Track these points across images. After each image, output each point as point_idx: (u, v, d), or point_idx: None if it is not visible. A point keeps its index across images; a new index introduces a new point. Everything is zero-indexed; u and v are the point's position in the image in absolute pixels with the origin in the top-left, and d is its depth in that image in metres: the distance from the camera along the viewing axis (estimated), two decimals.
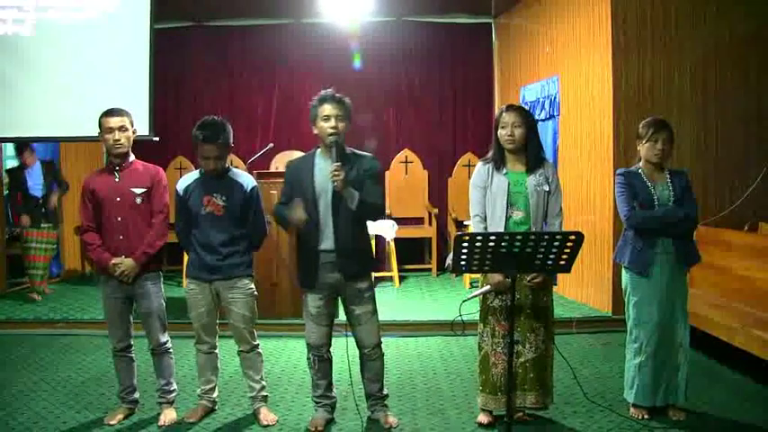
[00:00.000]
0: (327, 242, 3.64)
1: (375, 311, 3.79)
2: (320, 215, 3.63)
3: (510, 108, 3.72)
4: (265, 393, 4.05)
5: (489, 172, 3.72)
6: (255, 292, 3.96)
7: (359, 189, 3.59)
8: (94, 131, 3.89)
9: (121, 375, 4.00)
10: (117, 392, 4.06)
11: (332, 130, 3.59)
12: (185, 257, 4.09)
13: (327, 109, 3.61)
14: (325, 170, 3.60)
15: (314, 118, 3.66)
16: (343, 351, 3.86)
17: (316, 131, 3.68)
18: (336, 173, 3.48)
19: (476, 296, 3.79)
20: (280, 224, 3.85)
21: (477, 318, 3.82)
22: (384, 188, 3.79)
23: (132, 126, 3.89)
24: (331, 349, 3.85)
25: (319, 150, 3.72)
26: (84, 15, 6.34)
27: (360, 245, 3.74)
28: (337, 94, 3.67)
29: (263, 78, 8.91)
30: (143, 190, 3.85)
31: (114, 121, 3.80)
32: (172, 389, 4.03)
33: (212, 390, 4.05)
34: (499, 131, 3.70)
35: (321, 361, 3.80)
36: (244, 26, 8.75)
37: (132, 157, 3.93)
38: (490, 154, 3.79)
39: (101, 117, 3.84)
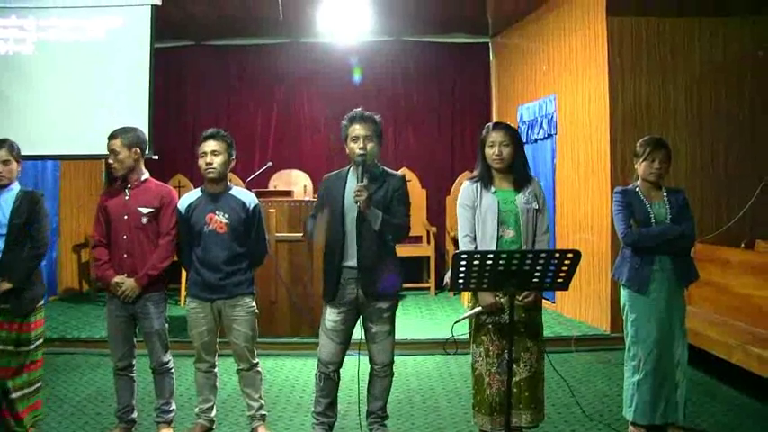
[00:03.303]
0: (351, 259, 3.64)
1: (392, 332, 3.78)
2: (346, 232, 3.64)
3: (497, 126, 3.68)
4: (264, 412, 4.03)
5: (478, 191, 3.66)
6: (257, 310, 3.96)
7: (386, 208, 3.61)
8: (94, 150, 3.92)
9: (120, 394, 3.98)
10: (114, 411, 4.03)
11: (360, 151, 3.60)
12: (183, 276, 4.08)
13: (356, 129, 3.63)
14: (353, 188, 3.61)
15: (344, 138, 3.69)
16: (353, 369, 3.82)
17: (347, 150, 3.70)
18: (359, 193, 3.50)
19: (466, 318, 3.78)
20: (307, 236, 3.82)
21: (470, 338, 3.80)
22: (409, 208, 3.77)
23: (129, 148, 3.84)
24: (341, 370, 3.80)
25: (352, 168, 3.73)
26: (85, 35, 6.37)
27: (384, 264, 3.69)
28: (367, 113, 3.68)
29: (262, 97, 8.96)
30: (150, 210, 3.84)
31: (109, 144, 3.85)
32: (170, 408, 4.02)
33: (210, 409, 4.04)
34: (486, 150, 3.65)
35: (327, 380, 3.76)
36: (243, 45, 8.82)
37: (146, 176, 3.93)
38: (476, 172, 3.74)
39: None
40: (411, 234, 8.41)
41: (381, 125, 3.72)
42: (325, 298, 3.73)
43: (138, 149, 3.89)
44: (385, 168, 3.77)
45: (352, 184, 3.64)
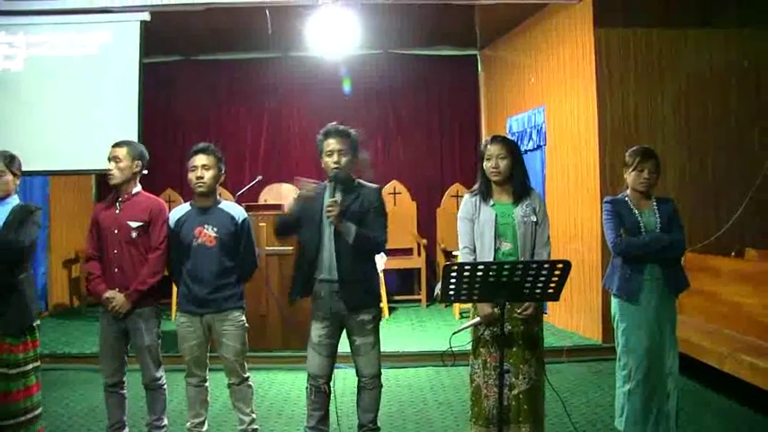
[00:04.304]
0: (331, 272, 3.65)
1: (376, 343, 3.77)
2: (325, 246, 3.65)
3: (494, 140, 3.71)
4: (256, 426, 4.01)
5: (476, 204, 3.70)
6: (247, 324, 3.95)
7: (361, 221, 3.61)
8: (84, 165, 3.91)
9: (111, 410, 3.94)
10: (105, 427, 3.99)
11: (334, 165, 3.62)
12: (174, 291, 4.06)
13: (331, 143, 3.65)
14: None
15: (320, 152, 3.71)
16: (343, 383, 3.82)
17: (322, 165, 3.71)
18: (330, 209, 3.50)
19: (465, 328, 3.79)
20: (283, 230, 3.83)
21: (468, 348, 3.80)
22: (386, 220, 3.77)
23: (132, 159, 3.88)
24: (330, 383, 3.80)
25: (328, 182, 3.74)
26: (74, 51, 6.36)
27: (363, 277, 3.72)
28: (341, 127, 3.70)
29: (252, 111, 8.98)
30: (139, 224, 3.83)
31: (110, 152, 3.88)
32: (162, 425, 3.99)
33: (201, 424, 4.00)
34: (484, 163, 3.68)
35: (317, 392, 3.76)
36: (232, 60, 8.84)
37: (137, 189, 3.94)
38: (477, 186, 3.78)
39: None
40: (402, 246, 8.54)
41: (357, 139, 3.73)
42: (292, 294, 3.76)
43: (140, 163, 3.93)
44: (360, 181, 3.78)
45: (328, 198, 3.65)
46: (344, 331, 3.77)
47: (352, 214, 3.61)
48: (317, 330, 3.71)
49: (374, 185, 3.81)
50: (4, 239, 3.55)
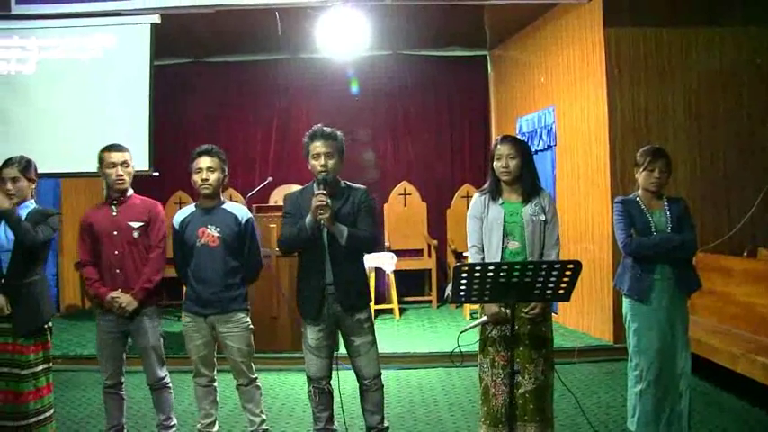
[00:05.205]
0: (326, 275, 3.66)
1: (374, 342, 3.79)
2: (317, 249, 3.66)
3: (504, 139, 3.73)
4: (266, 427, 4.01)
5: (485, 203, 3.72)
6: (251, 326, 3.95)
7: (353, 223, 3.63)
8: (95, 167, 3.93)
9: (110, 412, 3.96)
10: (104, 429, 3.98)
11: (321, 168, 3.62)
12: (185, 291, 4.07)
13: (317, 146, 3.65)
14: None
15: (306, 155, 3.71)
16: (341, 384, 3.81)
17: (309, 167, 3.72)
18: (321, 212, 3.50)
19: (473, 327, 3.79)
20: (294, 244, 3.74)
21: (477, 348, 3.80)
22: (375, 219, 3.78)
23: (132, 162, 3.97)
24: (332, 382, 3.81)
25: (315, 185, 3.73)
26: (86, 54, 6.41)
27: (357, 277, 3.76)
28: (327, 129, 3.69)
29: (262, 113, 8.99)
30: (140, 224, 3.88)
31: (117, 156, 3.89)
32: (171, 423, 4.01)
33: (212, 424, 4.01)
34: (494, 163, 3.70)
35: (321, 393, 3.77)
36: (241, 62, 8.86)
37: (131, 192, 3.98)
38: (487, 185, 3.79)
39: (101, 152, 3.92)
40: (412, 247, 8.51)
41: (343, 141, 3.74)
42: (308, 316, 3.72)
43: (134, 165, 4.00)
44: (348, 183, 3.79)
45: None
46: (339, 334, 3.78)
47: (345, 217, 3.63)
48: (313, 334, 3.72)
49: (361, 186, 3.82)
50: (22, 226, 3.61)
